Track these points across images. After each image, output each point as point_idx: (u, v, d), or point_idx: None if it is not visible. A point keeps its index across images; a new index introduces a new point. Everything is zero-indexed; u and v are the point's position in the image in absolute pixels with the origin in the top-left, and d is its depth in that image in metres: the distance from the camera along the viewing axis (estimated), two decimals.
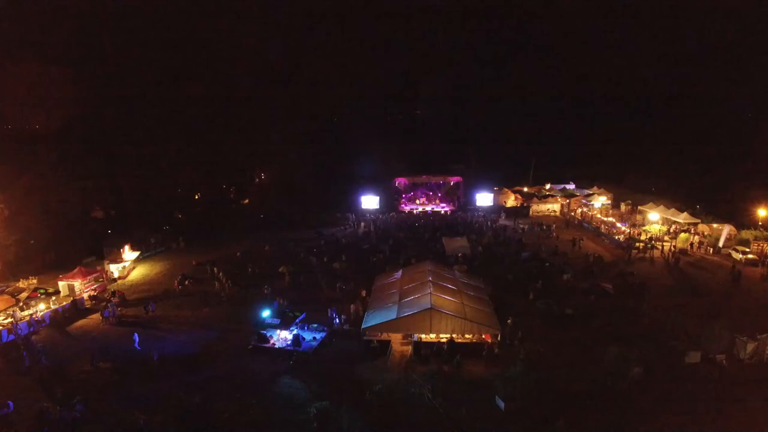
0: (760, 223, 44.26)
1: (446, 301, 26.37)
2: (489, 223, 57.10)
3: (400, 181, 68.78)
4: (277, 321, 26.31)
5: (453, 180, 68.77)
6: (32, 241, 40.47)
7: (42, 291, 33.24)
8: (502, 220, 58.91)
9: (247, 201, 77.18)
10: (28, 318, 28.88)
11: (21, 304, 30.96)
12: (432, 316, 24.65)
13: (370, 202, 65.07)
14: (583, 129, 78.20)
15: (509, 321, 26.81)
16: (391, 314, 25.66)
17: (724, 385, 21.47)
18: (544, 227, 53.95)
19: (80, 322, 30.40)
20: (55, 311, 30.66)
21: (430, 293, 26.38)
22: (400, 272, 33.11)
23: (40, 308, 30.51)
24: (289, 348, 25.09)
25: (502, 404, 20.12)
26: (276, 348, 25.35)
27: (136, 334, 26.29)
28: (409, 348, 25.06)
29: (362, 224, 56.63)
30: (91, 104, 51.19)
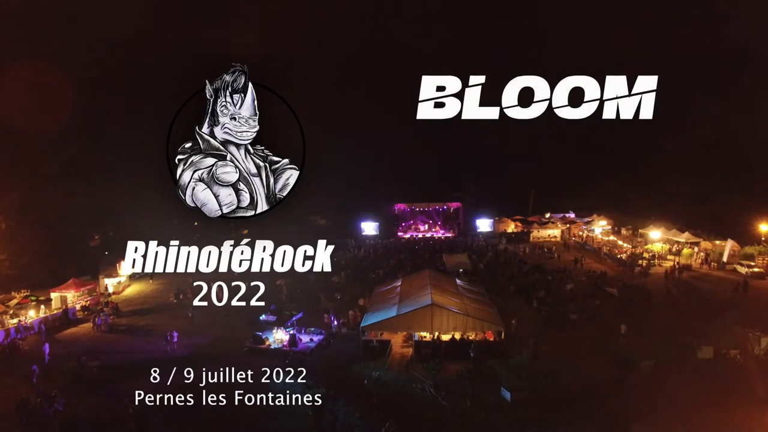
0: (763, 239, 43.91)
1: (447, 300, 25.70)
2: (489, 248, 56.66)
3: (399, 207, 68.73)
4: (273, 318, 25.56)
5: (452, 206, 68.80)
6: (26, 257, 39.87)
7: (33, 298, 32.46)
8: (503, 245, 58.39)
9: (246, 231, 76.92)
10: (16, 324, 28.02)
11: (11, 311, 30.08)
12: (433, 312, 23.85)
13: (369, 228, 64.82)
14: (582, 160, 78.80)
15: (514, 322, 26.04)
16: (390, 312, 24.94)
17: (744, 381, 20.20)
18: (545, 250, 53.59)
19: (70, 330, 29.50)
20: (45, 319, 29.76)
21: (431, 293, 25.71)
22: (399, 281, 32.46)
23: (30, 315, 29.66)
24: (285, 349, 24.19)
25: (508, 395, 19.14)
26: (272, 349, 24.44)
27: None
28: (410, 351, 24.18)
29: (362, 249, 56.18)
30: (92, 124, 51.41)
